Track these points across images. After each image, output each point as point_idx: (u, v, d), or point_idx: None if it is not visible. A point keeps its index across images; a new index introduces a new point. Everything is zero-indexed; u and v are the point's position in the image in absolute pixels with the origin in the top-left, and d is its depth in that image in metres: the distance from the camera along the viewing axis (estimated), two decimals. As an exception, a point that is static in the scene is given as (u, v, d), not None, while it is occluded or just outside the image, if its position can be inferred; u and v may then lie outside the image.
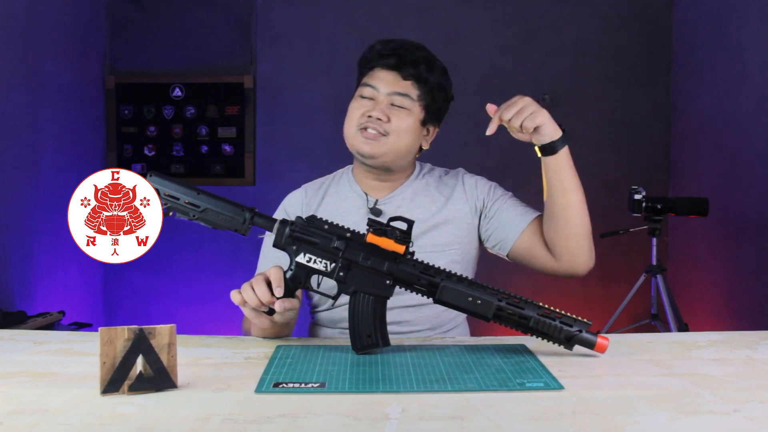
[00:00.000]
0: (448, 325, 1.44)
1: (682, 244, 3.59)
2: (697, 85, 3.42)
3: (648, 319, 3.14)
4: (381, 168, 1.43)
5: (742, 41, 3.01)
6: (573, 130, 4.00)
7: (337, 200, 1.48)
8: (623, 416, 0.83)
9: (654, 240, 3.01)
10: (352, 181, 1.50)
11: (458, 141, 3.59)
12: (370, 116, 1.38)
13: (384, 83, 1.40)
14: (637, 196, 2.93)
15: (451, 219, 1.44)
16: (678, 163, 3.62)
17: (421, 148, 1.48)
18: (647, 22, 3.67)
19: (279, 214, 1.51)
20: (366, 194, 1.47)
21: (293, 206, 1.50)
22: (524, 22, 3.68)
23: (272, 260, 1.37)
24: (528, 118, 1.25)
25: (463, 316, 1.48)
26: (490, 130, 1.28)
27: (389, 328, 1.32)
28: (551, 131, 1.28)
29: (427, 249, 1.39)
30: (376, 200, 1.46)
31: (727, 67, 3.14)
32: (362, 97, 1.41)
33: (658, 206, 2.93)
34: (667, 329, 2.93)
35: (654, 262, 3.02)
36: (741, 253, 3.04)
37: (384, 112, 1.38)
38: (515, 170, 3.66)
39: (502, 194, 1.48)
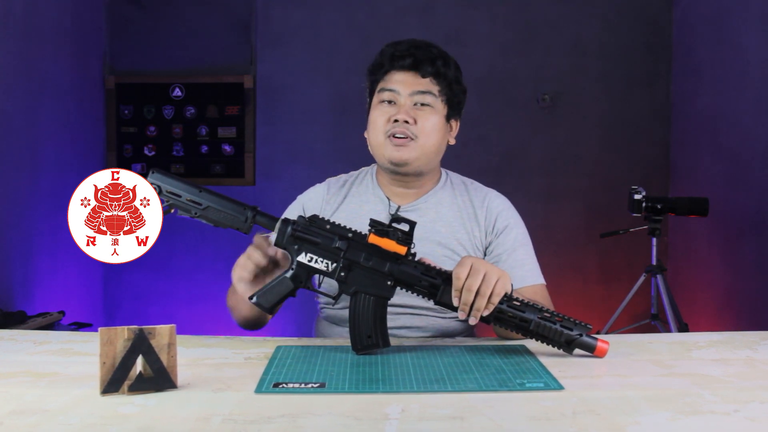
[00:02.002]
0: (460, 335, 1.42)
1: (682, 244, 3.59)
2: (697, 85, 3.42)
3: (648, 319, 3.14)
4: (413, 174, 1.40)
5: (742, 41, 3.01)
6: (573, 130, 4.00)
7: (359, 202, 1.45)
8: (624, 416, 0.83)
9: (654, 240, 3.01)
10: (375, 185, 1.47)
11: (458, 141, 3.57)
12: (396, 120, 1.35)
13: (404, 85, 1.37)
14: (637, 196, 2.93)
15: (467, 241, 1.41)
16: (678, 163, 3.62)
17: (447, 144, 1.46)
18: (647, 22, 3.67)
19: (295, 207, 1.49)
20: (388, 199, 1.44)
21: (312, 201, 1.48)
22: (524, 22, 3.68)
23: None
24: (495, 292, 1.09)
25: (471, 326, 1.46)
26: (473, 321, 1.12)
27: (397, 332, 1.32)
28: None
29: (447, 266, 1.37)
30: (399, 207, 1.43)
31: (727, 67, 3.14)
32: (382, 102, 1.38)
33: (658, 206, 2.93)
34: (667, 329, 2.93)
35: (654, 262, 3.02)
36: (741, 253, 3.04)
37: (409, 113, 1.35)
38: (515, 169, 3.66)
39: (513, 241, 1.41)
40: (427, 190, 1.45)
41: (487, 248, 1.43)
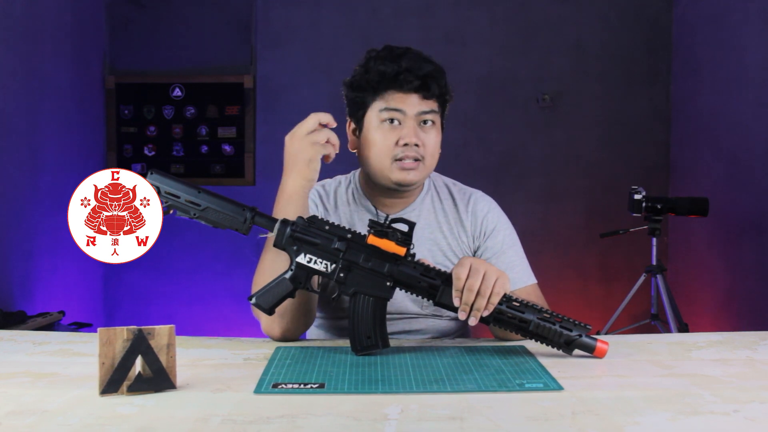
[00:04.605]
0: (455, 334, 1.43)
1: (682, 244, 3.59)
2: (697, 85, 3.42)
3: (648, 319, 3.14)
4: (411, 189, 1.38)
5: (742, 41, 3.01)
6: (573, 130, 3.99)
7: (348, 210, 1.43)
8: (623, 417, 0.83)
9: (654, 240, 3.01)
10: (360, 195, 1.43)
11: (458, 141, 3.59)
12: (405, 144, 1.31)
13: (410, 106, 1.31)
14: (637, 196, 2.93)
15: (456, 246, 1.41)
16: (678, 163, 3.62)
17: None
18: (647, 22, 3.67)
19: None
20: (376, 209, 1.41)
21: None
22: (524, 22, 3.68)
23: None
24: (494, 291, 1.09)
25: (467, 325, 1.45)
26: (473, 322, 1.12)
27: (397, 336, 1.32)
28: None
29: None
30: (387, 216, 1.38)
31: (727, 67, 3.14)
32: (384, 122, 1.32)
33: (658, 206, 2.93)
34: (667, 329, 2.93)
35: (654, 262, 3.02)
36: (741, 253, 3.04)
37: (419, 137, 1.31)
38: (515, 169, 3.66)
39: (501, 242, 1.40)
40: (414, 197, 1.43)
41: (475, 252, 1.41)
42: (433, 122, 1.35)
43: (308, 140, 1.20)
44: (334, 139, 1.22)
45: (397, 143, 1.31)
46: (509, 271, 1.35)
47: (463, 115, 3.62)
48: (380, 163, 1.33)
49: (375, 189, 1.41)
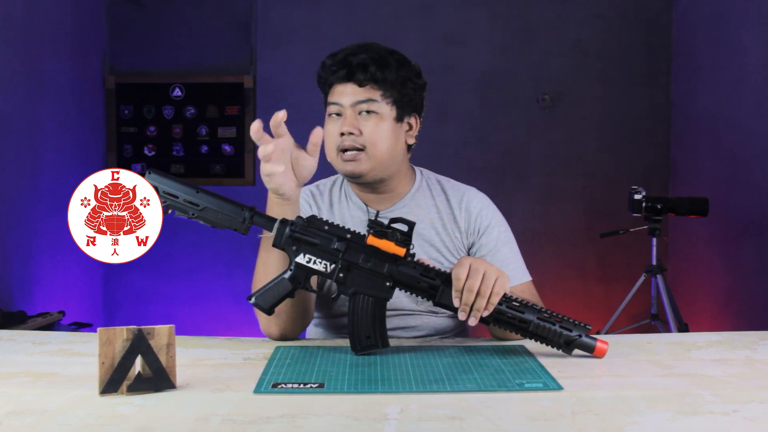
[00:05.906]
0: (452, 332, 1.43)
1: (682, 244, 3.59)
2: (697, 85, 3.42)
3: (648, 319, 3.14)
4: (374, 182, 1.38)
5: (742, 41, 3.01)
6: (573, 130, 3.98)
7: (340, 208, 1.44)
8: (623, 416, 0.83)
9: (654, 240, 3.01)
10: (349, 192, 1.44)
11: (458, 140, 3.58)
12: (342, 133, 1.33)
13: (344, 96, 1.34)
14: (637, 196, 2.93)
15: (449, 243, 1.41)
16: (678, 163, 3.62)
17: (409, 146, 1.42)
18: (647, 22, 3.67)
19: None
20: (366, 205, 1.42)
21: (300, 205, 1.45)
22: (524, 22, 3.68)
23: None
24: (494, 291, 1.09)
25: (464, 322, 1.45)
26: (473, 322, 1.12)
27: (392, 333, 1.32)
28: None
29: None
30: (377, 212, 1.41)
31: (727, 67, 3.13)
32: (330, 116, 1.37)
33: (658, 206, 2.93)
34: (667, 329, 2.93)
35: (654, 262, 3.02)
36: (741, 253, 3.04)
37: (353, 124, 1.33)
38: (515, 169, 3.66)
39: (495, 239, 1.40)
40: (403, 193, 1.43)
41: (469, 249, 1.41)
42: (374, 111, 1.34)
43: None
44: (267, 141, 1.18)
45: (338, 134, 1.35)
46: (504, 268, 1.34)
47: (463, 114, 3.62)
48: (330, 156, 1.38)
49: (357, 186, 1.43)
